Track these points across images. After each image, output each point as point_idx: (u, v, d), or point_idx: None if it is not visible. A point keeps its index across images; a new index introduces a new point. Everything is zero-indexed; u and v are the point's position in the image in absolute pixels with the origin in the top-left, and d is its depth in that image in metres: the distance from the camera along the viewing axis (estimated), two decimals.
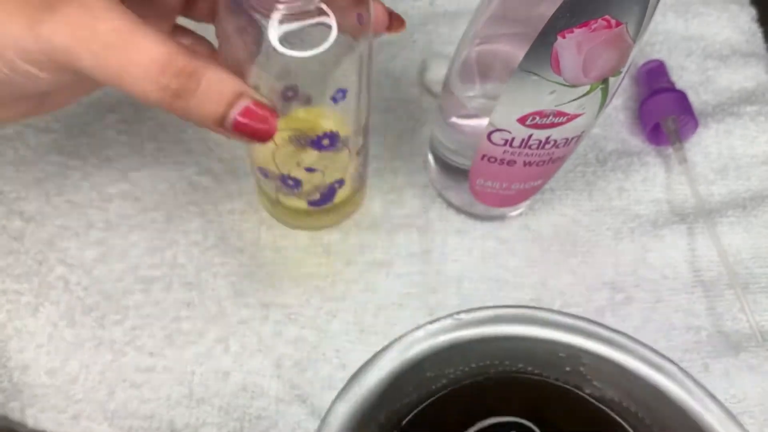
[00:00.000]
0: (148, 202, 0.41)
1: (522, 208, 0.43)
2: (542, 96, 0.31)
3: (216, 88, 0.24)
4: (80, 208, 0.41)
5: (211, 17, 0.32)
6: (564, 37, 0.28)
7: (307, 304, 0.40)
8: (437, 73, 0.47)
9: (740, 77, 0.50)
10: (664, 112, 0.46)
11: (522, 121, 0.33)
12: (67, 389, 0.36)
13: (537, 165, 0.36)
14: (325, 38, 0.24)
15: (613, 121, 0.48)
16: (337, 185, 0.33)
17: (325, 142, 0.29)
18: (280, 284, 0.40)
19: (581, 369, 0.22)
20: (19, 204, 0.40)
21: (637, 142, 0.47)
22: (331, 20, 0.24)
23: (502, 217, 0.43)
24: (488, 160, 0.36)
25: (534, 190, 0.40)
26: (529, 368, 0.23)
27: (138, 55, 0.23)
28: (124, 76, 0.23)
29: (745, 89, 0.49)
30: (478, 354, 0.22)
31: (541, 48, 0.29)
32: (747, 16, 0.52)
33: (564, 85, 0.30)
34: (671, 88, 0.47)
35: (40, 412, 0.36)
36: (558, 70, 0.30)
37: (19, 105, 0.28)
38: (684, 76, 0.50)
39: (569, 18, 0.28)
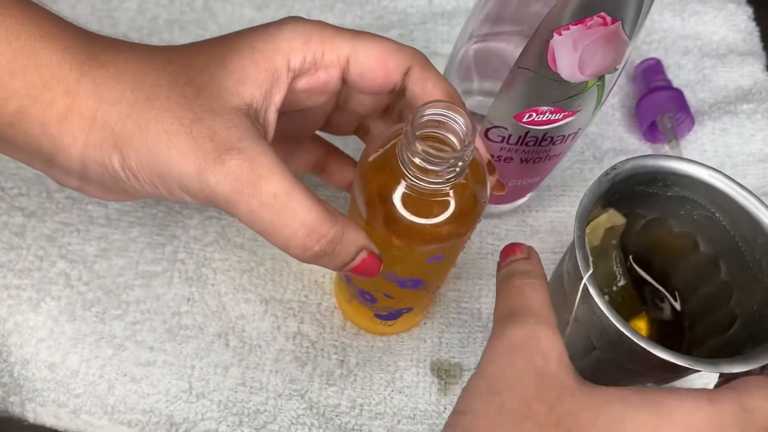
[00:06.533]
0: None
1: (519, 204, 0.43)
2: (539, 93, 0.31)
3: (346, 249, 0.27)
4: (81, 203, 0.41)
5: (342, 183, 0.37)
6: (560, 34, 0.29)
7: (306, 299, 0.40)
8: None
9: (736, 75, 0.50)
10: (661, 110, 0.46)
11: (519, 118, 0.33)
12: (67, 383, 0.36)
13: (534, 162, 0.37)
14: (443, 212, 0.28)
15: (610, 119, 0.48)
16: (405, 311, 0.36)
17: (409, 284, 0.32)
18: (280, 280, 0.40)
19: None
20: (20, 200, 0.41)
21: (633, 139, 0.48)
22: (452, 199, 0.27)
23: (499, 214, 0.44)
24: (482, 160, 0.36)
25: (531, 187, 0.41)
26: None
27: (289, 219, 0.25)
28: (273, 232, 0.25)
29: (741, 87, 0.50)
30: None
31: (538, 45, 0.29)
32: (743, 14, 0.53)
33: (560, 81, 0.31)
34: (668, 86, 0.47)
35: (41, 406, 0.36)
36: (554, 66, 0.30)
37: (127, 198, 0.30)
38: (680, 74, 0.50)
39: (565, 15, 0.28)
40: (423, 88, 0.29)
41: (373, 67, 0.28)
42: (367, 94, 0.30)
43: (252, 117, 0.26)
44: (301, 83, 0.28)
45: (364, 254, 0.28)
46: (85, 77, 0.25)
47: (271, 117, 0.28)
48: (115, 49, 0.27)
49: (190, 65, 0.27)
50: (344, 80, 0.29)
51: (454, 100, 0.29)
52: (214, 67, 0.26)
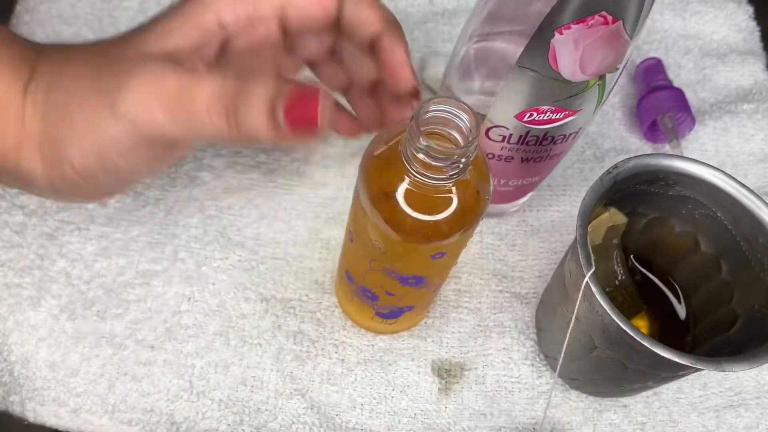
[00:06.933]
0: (148, 196, 0.42)
1: (519, 204, 0.43)
2: (540, 92, 0.31)
3: (262, 92, 0.26)
4: None
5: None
6: (561, 34, 0.29)
7: (307, 298, 0.40)
8: (436, 70, 0.47)
9: (737, 75, 0.50)
10: (662, 110, 0.46)
11: (520, 117, 0.33)
12: (67, 382, 0.36)
13: (534, 161, 0.36)
14: (446, 208, 0.28)
15: (611, 118, 0.48)
16: (406, 309, 0.37)
17: (411, 281, 0.33)
18: (280, 279, 0.40)
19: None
20: (20, 198, 0.41)
21: (634, 139, 0.48)
22: (454, 195, 0.28)
23: (500, 214, 0.44)
24: (486, 156, 0.36)
25: (532, 187, 0.41)
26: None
27: (199, 95, 0.25)
28: (192, 115, 0.26)
29: (742, 87, 0.50)
30: None
31: (539, 44, 0.29)
32: (744, 14, 0.53)
33: (561, 81, 0.31)
34: (669, 86, 0.47)
35: (41, 406, 0.36)
36: (555, 66, 0.30)
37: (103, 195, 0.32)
38: (681, 73, 0.50)
39: (566, 14, 0.28)
40: (358, 14, 0.29)
41: (308, 5, 0.29)
42: (309, 33, 0.31)
43: (170, 60, 0.27)
44: (241, 42, 0.29)
45: (287, 88, 0.25)
46: (27, 98, 0.26)
47: (200, 68, 0.28)
48: (55, 58, 0.28)
49: (118, 43, 0.28)
50: (284, 28, 0.30)
51: (389, 20, 0.30)
52: (137, 33, 0.27)
